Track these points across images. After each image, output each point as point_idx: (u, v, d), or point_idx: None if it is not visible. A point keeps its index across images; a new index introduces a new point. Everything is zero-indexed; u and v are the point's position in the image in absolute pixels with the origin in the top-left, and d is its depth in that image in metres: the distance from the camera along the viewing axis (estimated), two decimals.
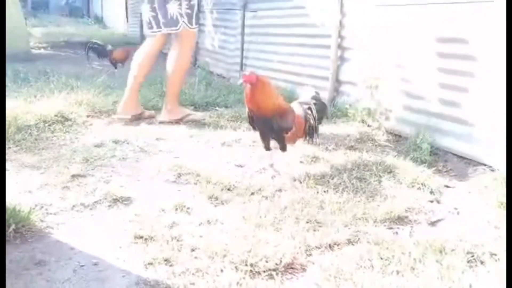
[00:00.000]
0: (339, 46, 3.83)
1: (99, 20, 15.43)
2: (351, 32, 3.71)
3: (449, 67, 2.81)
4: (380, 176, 2.39)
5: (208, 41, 6.86)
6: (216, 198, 2.08)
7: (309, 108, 2.44)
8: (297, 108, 2.41)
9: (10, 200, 1.76)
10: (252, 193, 2.15)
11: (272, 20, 4.96)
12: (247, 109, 2.31)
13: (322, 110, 2.56)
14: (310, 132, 2.43)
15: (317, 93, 2.62)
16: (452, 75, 2.79)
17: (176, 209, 1.94)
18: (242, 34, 5.48)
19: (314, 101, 2.50)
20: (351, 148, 2.89)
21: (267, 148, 2.41)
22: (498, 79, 2.40)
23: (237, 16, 5.58)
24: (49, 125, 3.08)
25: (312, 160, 2.65)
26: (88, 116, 3.39)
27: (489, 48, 2.52)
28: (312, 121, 2.42)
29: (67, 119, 3.22)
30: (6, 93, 3.70)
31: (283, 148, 2.36)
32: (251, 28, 5.35)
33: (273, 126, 2.24)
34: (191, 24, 3.34)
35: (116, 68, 5.46)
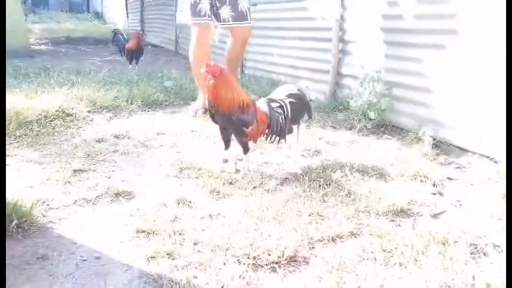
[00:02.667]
0: (340, 39, 3.81)
1: (99, 16, 15.39)
2: (352, 25, 3.69)
3: (449, 59, 2.79)
4: (382, 168, 2.38)
5: None
6: (218, 192, 2.08)
7: (280, 106, 2.33)
8: (262, 105, 2.31)
9: (12, 195, 1.76)
10: (254, 187, 2.15)
11: (272, 14, 4.93)
12: (207, 103, 2.26)
13: (300, 110, 2.40)
14: (277, 131, 2.32)
15: (299, 91, 2.44)
16: (454, 67, 2.77)
17: (178, 203, 1.94)
18: None
19: (291, 100, 2.35)
20: (352, 141, 2.88)
21: (227, 145, 2.35)
22: (501, 73, 2.39)
23: None
24: (50, 120, 3.07)
25: (314, 154, 2.64)
26: (89, 112, 3.38)
27: (491, 43, 2.50)
28: (281, 120, 2.30)
29: (68, 115, 3.22)
30: (7, 89, 3.70)
31: (244, 145, 2.29)
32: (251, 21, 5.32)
33: (233, 120, 2.19)
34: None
35: (130, 63, 5.49)
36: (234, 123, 2.22)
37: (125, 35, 5.99)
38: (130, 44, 5.54)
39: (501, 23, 2.33)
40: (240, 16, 3.43)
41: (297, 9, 4.45)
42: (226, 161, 2.40)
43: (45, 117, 3.09)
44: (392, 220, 1.86)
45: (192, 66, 3.54)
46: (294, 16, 4.51)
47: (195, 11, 3.35)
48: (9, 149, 2.53)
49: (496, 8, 2.42)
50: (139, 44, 5.51)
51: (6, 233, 1.61)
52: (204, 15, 3.36)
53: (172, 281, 1.38)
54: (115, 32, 6.11)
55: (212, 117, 2.32)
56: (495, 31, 2.46)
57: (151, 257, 1.53)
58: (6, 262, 1.47)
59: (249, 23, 3.52)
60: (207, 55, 3.42)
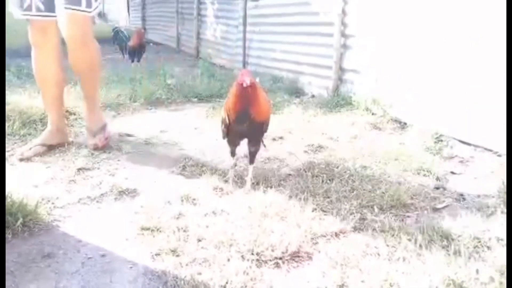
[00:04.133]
0: (342, 34, 3.80)
1: (100, 14, 15.38)
2: (354, 19, 3.68)
3: (450, 53, 2.78)
4: (385, 163, 2.38)
5: (210, 32, 6.84)
6: (222, 189, 2.09)
7: None
8: None
9: (17, 194, 1.78)
10: (258, 183, 2.15)
11: (274, 9, 4.92)
12: (232, 114, 1.93)
13: None
14: None
15: None
16: (456, 61, 2.76)
17: (182, 200, 1.95)
18: (244, 24, 5.45)
19: None
20: (355, 136, 2.88)
21: (234, 154, 2.16)
22: (502, 69, 2.37)
23: (239, 6, 5.54)
24: None
25: (316, 149, 2.65)
26: None
27: (492, 35, 2.49)
28: None
29: (71, 113, 3.23)
30: (11, 89, 3.72)
31: (256, 154, 2.13)
32: (253, 18, 5.32)
33: (262, 129, 2.04)
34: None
35: (132, 61, 5.50)
36: (262, 132, 2.07)
37: (126, 33, 5.99)
38: (132, 42, 5.55)
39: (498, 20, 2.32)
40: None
41: (298, 4, 4.44)
42: (235, 165, 2.25)
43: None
44: (396, 215, 1.86)
45: (36, 79, 2.59)
46: (295, 11, 4.50)
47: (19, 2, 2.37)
48: (14, 148, 2.55)
49: None
50: (141, 42, 5.51)
51: (12, 232, 1.62)
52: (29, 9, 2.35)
53: (176, 278, 1.39)
54: (116, 31, 6.11)
55: (229, 129, 2.02)
56: (494, 25, 2.44)
57: (155, 254, 1.54)
58: (13, 260, 1.48)
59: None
60: (54, 64, 2.54)
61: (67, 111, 3.23)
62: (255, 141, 2.09)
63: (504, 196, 2.02)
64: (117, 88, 3.92)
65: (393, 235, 1.66)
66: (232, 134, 2.05)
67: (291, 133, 2.94)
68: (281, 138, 2.87)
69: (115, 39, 6.13)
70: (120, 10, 12.49)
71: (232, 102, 1.91)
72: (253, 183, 2.11)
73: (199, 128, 3.10)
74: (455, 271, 1.40)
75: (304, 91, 4.31)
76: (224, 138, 2.12)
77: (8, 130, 2.77)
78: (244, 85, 1.80)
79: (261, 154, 2.56)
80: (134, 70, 5.12)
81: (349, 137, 2.85)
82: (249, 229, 1.68)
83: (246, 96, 1.86)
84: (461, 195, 2.09)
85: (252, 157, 2.12)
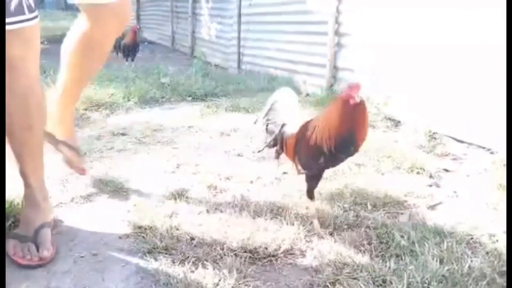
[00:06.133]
0: (336, 32, 3.80)
1: None
2: (348, 18, 3.69)
3: (444, 52, 2.79)
4: (379, 161, 2.39)
5: (205, 31, 6.83)
6: (215, 187, 2.08)
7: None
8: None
9: (9, 194, 1.76)
10: (251, 182, 2.15)
11: (268, 8, 4.92)
12: (331, 141, 1.48)
13: None
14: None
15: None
16: (449, 58, 2.77)
17: (175, 199, 1.94)
18: (239, 23, 5.45)
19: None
20: None
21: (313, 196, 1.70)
22: (496, 64, 2.39)
23: (233, 5, 5.54)
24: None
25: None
26: (85, 109, 3.38)
27: (485, 32, 2.50)
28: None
29: None
30: None
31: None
32: (248, 16, 5.32)
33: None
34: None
35: (127, 60, 5.48)
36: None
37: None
38: (126, 40, 5.51)
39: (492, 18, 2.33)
40: None
41: (293, 2, 4.44)
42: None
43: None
44: (389, 212, 1.87)
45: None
46: (289, 10, 4.51)
47: None
48: (7, 147, 2.52)
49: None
50: (135, 39, 5.47)
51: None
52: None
53: (169, 276, 1.39)
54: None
55: (316, 161, 1.56)
56: (487, 23, 2.46)
57: (148, 253, 1.53)
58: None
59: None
60: None
61: None
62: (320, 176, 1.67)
63: (495, 192, 2.03)
64: (111, 86, 3.91)
65: (386, 232, 1.66)
66: (319, 167, 1.60)
67: None
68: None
69: None
70: None
71: (334, 124, 1.47)
72: (251, 182, 2.11)
73: (193, 127, 3.09)
74: (447, 268, 1.41)
75: (299, 90, 4.31)
76: (303, 173, 1.67)
77: None
78: (352, 102, 1.42)
79: (256, 154, 2.57)
80: (128, 69, 5.10)
81: None
82: (242, 227, 1.68)
83: (353, 117, 1.46)
84: (454, 192, 2.10)
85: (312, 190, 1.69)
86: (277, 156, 1.78)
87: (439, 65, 2.83)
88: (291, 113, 1.74)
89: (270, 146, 1.80)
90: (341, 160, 1.60)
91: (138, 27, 5.93)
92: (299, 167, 1.67)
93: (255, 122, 1.86)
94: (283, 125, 1.73)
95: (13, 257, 1.45)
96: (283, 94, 1.80)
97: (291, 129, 1.69)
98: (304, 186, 1.68)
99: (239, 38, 5.48)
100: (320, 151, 1.51)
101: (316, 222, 1.68)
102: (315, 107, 3.52)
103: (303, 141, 1.59)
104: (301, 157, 1.64)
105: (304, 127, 1.60)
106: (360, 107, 1.44)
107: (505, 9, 2.19)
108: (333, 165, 1.65)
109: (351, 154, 1.55)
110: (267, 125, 1.81)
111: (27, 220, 1.54)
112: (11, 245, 1.48)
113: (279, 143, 1.75)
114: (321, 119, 1.54)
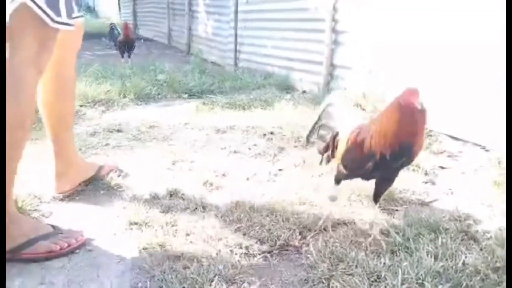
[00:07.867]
0: (333, 30, 3.80)
1: (90, 10, 15.28)
2: (345, 15, 3.68)
3: (439, 50, 2.79)
4: None
5: (201, 28, 6.81)
6: (211, 184, 2.08)
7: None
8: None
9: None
10: (247, 178, 2.15)
11: (265, 5, 4.91)
12: (387, 148, 1.41)
13: None
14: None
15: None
16: (446, 57, 2.77)
17: (171, 195, 1.94)
18: (236, 20, 5.44)
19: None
20: None
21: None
22: (492, 62, 2.39)
23: (230, 2, 5.52)
24: None
25: (307, 145, 2.64)
26: (81, 106, 3.36)
27: (483, 31, 2.51)
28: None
29: None
30: None
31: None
32: (244, 13, 5.31)
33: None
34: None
35: (122, 57, 5.46)
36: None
37: (119, 29, 5.95)
38: (120, 37, 5.49)
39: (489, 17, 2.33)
40: None
41: (290, 0, 4.43)
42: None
43: (37, 111, 3.06)
44: (384, 209, 1.87)
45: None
46: (286, 7, 4.50)
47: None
48: None
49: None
50: (129, 35, 5.42)
51: None
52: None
53: (164, 272, 1.38)
54: (112, 27, 6.04)
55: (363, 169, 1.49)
56: (485, 22, 2.46)
57: (143, 249, 1.53)
58: None
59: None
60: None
61: None
62: (391, 181, 1.59)
63: (490, 189, 2.04)
64: (107, 83, 3.89)
65: (381, 228, 1.66)
66: (365, 172, 1.50)
67: (281, 129, 2.94)
68: (271, 133, 2.86)
69: (110, 35, 6.07)
70: (111, 5, 12.39)
71: (392, 131, 1.40)
72: (246, 179, 2.11)
73: (189, 124, 3.08)
74: (441, 264, 1.41)
75: (295, 87, 4.31)
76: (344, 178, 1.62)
77: None
78: (414, 109, 1.34)
79: (251, 149, 2.56)
80: (125, 65, 5.08)
81: None
82: (237, 223, 1.68)
83: (413, 124, 1.37)
84: (450, 189, 2.11)
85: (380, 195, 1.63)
86: (328, 161, 1.71)
87: (435, 64, 2.84)
88: (344, 117, 1.67)
89: (321, 152, 1.74)
90: (390, 168, 1.48)
91: (129, 23, 5.87)
92: (341, 168, 1.59)
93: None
94: (336, 133, 1.66)
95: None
96: (337, 97, 1.75)
97: (343, 134, 1.61)
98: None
99: (236, 36, 5.47)
100: (371, 156, 1.43)
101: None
102: (311, 105, 3.52)
103: (356, 146, 1.50)
104: (347, 159, 1.56)
105: (357, 132, 1.53)
106: (421, 114, 1.36)
107: (503, 9, 2.20)
108: (384, 174, 1.52)
109: (406, 163, 1.47)
110: (318, 131, 1.76)
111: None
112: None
113: (330, 149, 1.69)
114: (377, 124, 1.47)
